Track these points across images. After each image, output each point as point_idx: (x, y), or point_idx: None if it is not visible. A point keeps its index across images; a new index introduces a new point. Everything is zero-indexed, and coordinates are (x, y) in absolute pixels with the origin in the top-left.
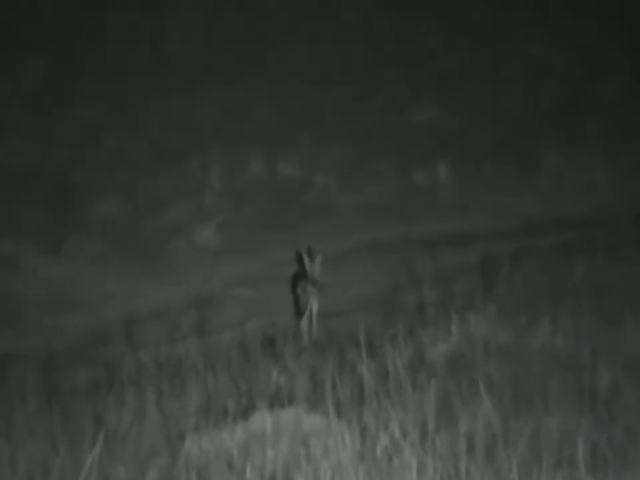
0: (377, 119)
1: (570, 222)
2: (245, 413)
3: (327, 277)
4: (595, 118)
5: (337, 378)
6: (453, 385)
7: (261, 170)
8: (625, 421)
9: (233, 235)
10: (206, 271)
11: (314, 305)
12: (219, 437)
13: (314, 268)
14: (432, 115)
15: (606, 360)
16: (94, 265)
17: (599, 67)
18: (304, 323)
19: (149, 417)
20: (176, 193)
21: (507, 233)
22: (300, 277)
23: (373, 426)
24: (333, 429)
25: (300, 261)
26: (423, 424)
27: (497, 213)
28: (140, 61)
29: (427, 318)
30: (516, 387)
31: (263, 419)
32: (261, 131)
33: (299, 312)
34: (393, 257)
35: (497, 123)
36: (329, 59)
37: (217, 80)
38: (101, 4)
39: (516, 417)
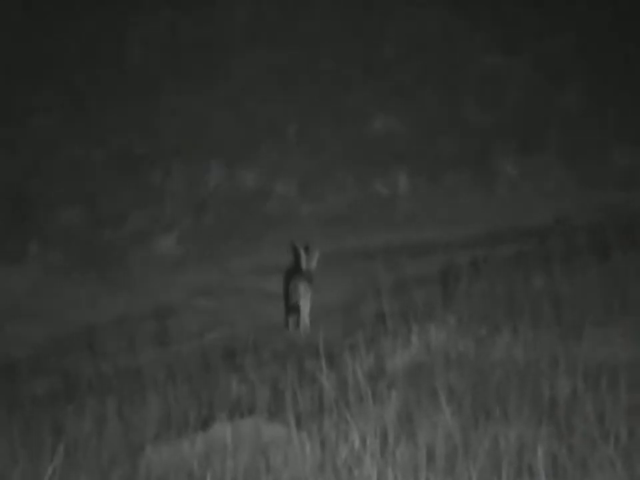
0: (337, 128)
1: (528, 231)
2: (205, 423)
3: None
4: (553, 127)
5: (297, 388)
6: (413, 395)
7: (221, 180)
8: (585, 431)
9: (193, 244)
10: (166, 281)
11: (307, 301)
12: (179, 447)
13: (310, 263)
14: (391, 125)
15: (565, 370)
16: (54, 275)
17: (557, 76)
18: (292, 319)
19: (109, 426)
20: (136, 203)
21: (466, 242)
22: (294, 272)
23: (333, 436)
24: (293, 440)
25: (296, 255)
26: (383, 434)
27: (456, 223)
28: (99, 71)
29: (387, 328)
30: (476, 397)
31: (223, 429)
32: (221, 140)
33: (288, 307)
34: (353, 267)
35: (456, 133)
36: (290, 68)
37: (177, 90)
38: (60, 13)
39: (476, 427)
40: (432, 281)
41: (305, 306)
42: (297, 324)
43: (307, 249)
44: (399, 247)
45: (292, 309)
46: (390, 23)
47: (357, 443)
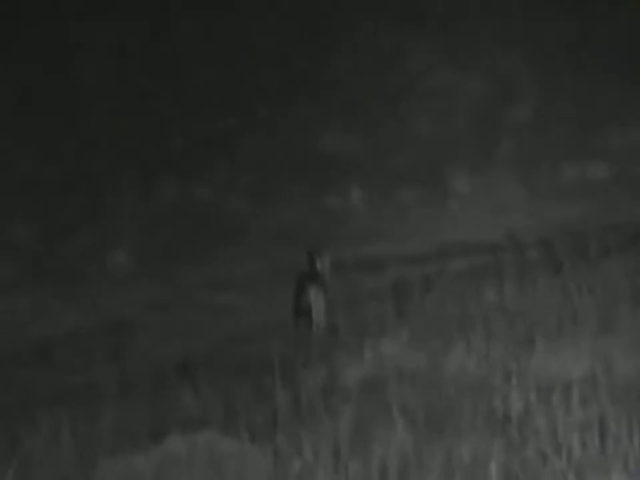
0: (289, 143)
1: (480, 246)
2: (158, 438)
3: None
4: (505, 142)
5: (250, 402)
6: (366, 409)
7: (173, 194)
8: (538, 444)
9: (147, 259)
10: (120, 295)
11: (320, 307)
12: (132, 461)
13: (324, 269)
14: (343, 140)
15: (518, 384)
16: (5, 290)
17: (508, 91)
18: (303, 321)
19: (63, 440)
20: (89, 217)
21: (418, 257)
22: (307, 277)
23: (287, 450)
24: (246, 454)
25: (311, 261)
26: (336, 449)
27: (408, 238)
28: (52, 85)
29: (340, 342)
30: (429, 411)
31: (176, 444)
32: (173, 155)
33: (298, 312)
34: None
35: (407, 148)
36: (241, 84)
37: (132, 103)
38: (12, 33)
39: (429, 441)
40: (384, 295)
41: (318, 308)
42: (309, 326)
43: (319, 254)
44: (351, 262)
45: (303, 312)
46: (342, 37)
47: (310, 458)
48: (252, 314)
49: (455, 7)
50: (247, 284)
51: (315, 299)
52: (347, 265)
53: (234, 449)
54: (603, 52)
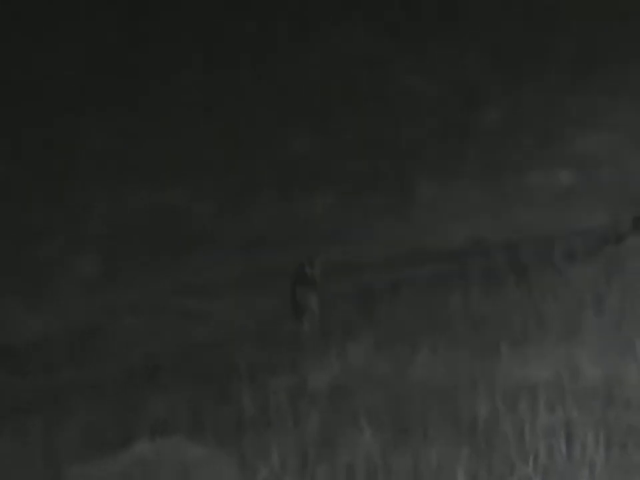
0: (257, 148)
1: (446, 252)
2: (126, 443)
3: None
4: (471, 148)
5: (218, 408)
6: (333, 415)
7: (143, 199)
8: (504, 450)
9: (116, 264)
10: (87, 301)
11: (313, 309)
12: (100, 466)
13: (315, 273)
14: (310, 145)
15: (484, 390)
16: None
17: (473, 97)
18: (302, 322)
19: (30, 446)
20: (57, 222)
21: (385, 262)
22: (301, 281)
23: (253, 456)
24: (213, 459)
25: (302, 266)
26: (303, 454)
27: (375, 244)
28: (20, 88)
29: (307, 347)
30: (396, 417)
31: (144, 449)
32: (143, 160)
33: (297, 314)
34: (275, 287)
35: (374, 154)
36: (210, 87)
37: (100, 107)
38: None
39: (396, 447)
40: (352, 300)
41: (311, 315)
42: (307, 327)
43: (310, 259)
44: (319, 267)
45: (301, 314)
46: (310, 43)
47: (276, 463)
48: (220, 319)
49: (421, 12)
50: (216, 289)
51: (308, 300)
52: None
53: (201, 454)
54: (569, 58)
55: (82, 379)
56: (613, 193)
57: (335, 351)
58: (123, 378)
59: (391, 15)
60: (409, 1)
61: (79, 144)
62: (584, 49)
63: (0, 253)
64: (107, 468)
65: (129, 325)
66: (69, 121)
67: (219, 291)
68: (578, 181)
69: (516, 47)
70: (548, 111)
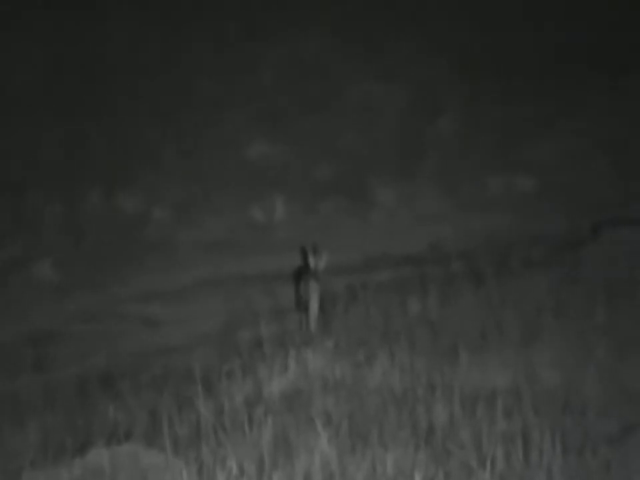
0: (215, 154)
1: (404, 257)
2: (82, 449)
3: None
4: (430, 154)
5: (174, 414)
6: (290, 420)
7: (99, 205)
8: (462, 456)
9: (72, 270)
10: (44, 307)
11: (315, 299)
12: (56, 473)
13: (318, 264)
14: (268, 151)
15: (442, 395)
16: None
17: (433, 102)
18: (307, 315)
19: None
20: (12, 228)
21: (343, 268)
22: (304, 272)
23: (211, 462)
24: (170, 465)
25: (305, 256)
26: (260, 460)
27: (333, 248)
28: None
29: (264, 354)
30: (353, 422)
31: (100, 455)
32: (99, 166)
33: (300, 306)
34: (231, 293)
35: (333, 159)
36: (167, 94)
37: (57, 113)
38: None
39: (353, 452)
40: None
41: (313, 305)
42: (306, 324)
43: (315, 251)
44: (275, 273)
45: (304, 306)
46: (267, 48)
47: (234, 469)
48: (177, 325)
49: (379, 18)
50: (173, 295)
51: (311, 293)
52: (272, 275)
53: (158, 460)
54: (528, 63)
55: (37, 386)
56: (571, 200)
57: (293, 356)
58: (79, 383)
59: (349, 20)
60: (368, 8)
61: (36, 149)
62: (540, 58)
63: None
64: (63, 475)
65: (85, 331)
66: (23, 129)
67: (175, 297)
68: (536, 188)
69: (475, 55)
70: (506, 117)
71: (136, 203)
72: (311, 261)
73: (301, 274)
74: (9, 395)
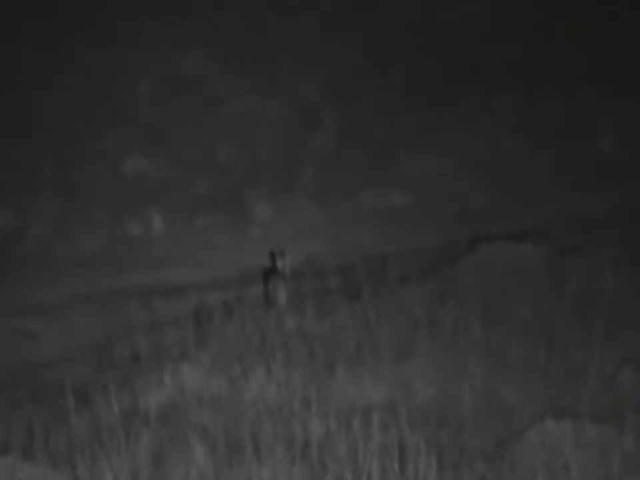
0: (91, 170)
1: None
2: None
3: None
4: (306, 168)
5: (50, 428)
6: (167, 434)
7: None
8: (337, 470)
9: None
10: None
11: (283, 297)
12: None
13: (285, 265)
14: (145, 166)
15: (318, 410)
16: None
17: (310, 117)
18: (273, 312)
19: None
20: None
21: (219, 282)
22: (272, 273)
23: (87, 475)
24: (47, 478)
25: (273, 259)
26: (135, 474)
27: (209, 264)
28: None
29: (140, 368)
30: (229, 436)
31: None
32: None
33: (269, 303)
34: (107, 307)
35: (210, 174)
36: (42, 109)
37: None
38: None
39: (229, 466)
40: (185, 321)
41: (282, 302)
42: (276, 318)
43: (282, 254)
44: (152, 288)
45: (273, 303)
46: (144, 62)
47: None
48: (53, 339)
49: (256, 32)
50: (49, 310)
51: (279, 291)
52: (149, 290)
53: (34, 473)
54: (404, 79)
55: None
56: (447, 214)
57: (169, 371)
58: None
59: (227, 34)
60: (245, 23)
61: None
62: (414, 76)
63: None
64: None
65: None
66: None
67: (53, 311)
68: (412, 202)
69: (350, 70)
70: (382, 132)
71: (13, 219)
72: (279, 262)
73: (269, 274)
74: None
